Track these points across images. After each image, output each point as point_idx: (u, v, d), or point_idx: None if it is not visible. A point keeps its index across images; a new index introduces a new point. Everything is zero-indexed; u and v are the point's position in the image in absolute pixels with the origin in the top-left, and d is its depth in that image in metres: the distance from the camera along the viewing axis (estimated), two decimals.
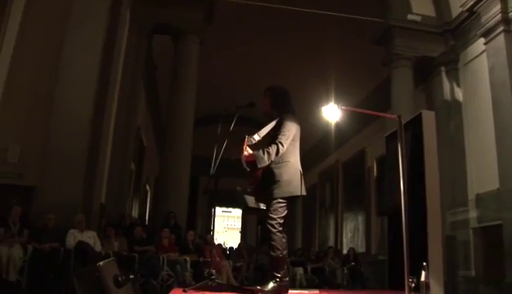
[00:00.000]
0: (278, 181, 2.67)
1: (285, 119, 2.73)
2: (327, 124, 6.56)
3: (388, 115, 3.37)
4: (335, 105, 2.75)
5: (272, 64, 8.11)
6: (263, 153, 2.62)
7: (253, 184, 2.66)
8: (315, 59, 7.82)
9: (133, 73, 5.65)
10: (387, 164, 3.70)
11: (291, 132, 2.72)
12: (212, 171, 2.72)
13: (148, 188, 9.64)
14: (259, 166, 2.58)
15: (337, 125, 6.47)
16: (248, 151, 2.57)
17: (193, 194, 8.13)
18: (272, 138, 2.69)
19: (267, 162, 2.62)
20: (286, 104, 2.78)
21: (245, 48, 7.73)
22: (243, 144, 2.56)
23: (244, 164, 2.53)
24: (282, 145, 2.67)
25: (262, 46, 7.66)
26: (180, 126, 5.66)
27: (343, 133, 8.52)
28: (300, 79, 8.13)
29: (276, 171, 2.67)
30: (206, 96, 8.00)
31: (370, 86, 7.98)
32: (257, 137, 2.64)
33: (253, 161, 2.58)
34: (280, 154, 2.66)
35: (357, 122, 7.91)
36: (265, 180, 2.66)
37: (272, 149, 2.64)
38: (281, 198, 2.64)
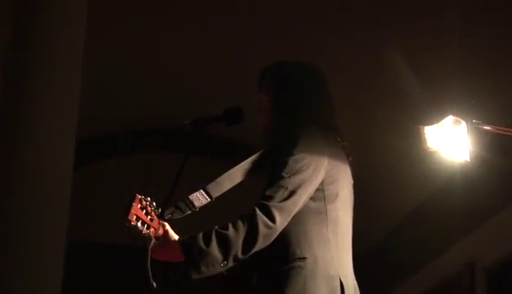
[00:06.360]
0: None
1: (296, 141, 2.83)
2: (438, 170, 6.59)
3: None
4: (461, 121, 2.60)
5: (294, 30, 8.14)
6: (207, 241, 2.63)
7: None
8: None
9: None
10: None
11: (308, 174, 2.77)
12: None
13: None
14: (196, 276, 2.63)
15: (467, 171, 6.26)
16: (153, 230, 2.74)
17: None
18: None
19: (223, 265, 2.65)
20: (309, 105, 2.98)
21: None
22: (134, 212, 2.68)
23: (150, 273, 2.66)
24: (272, 216, 2.67)
25: None
26: (36, 159, 5.25)
27: (483, 192, 8.25)
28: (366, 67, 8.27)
29: (272, 285, 2.76)
30: (112, 90, 8.33)
31: None
32: (202, 198, 2.85)
33: (179, 260, 2.70)
34: (269, 240, 2.69)
35: None
36: None
37: (239, 227, 2.66)
38: None
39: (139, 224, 2.71)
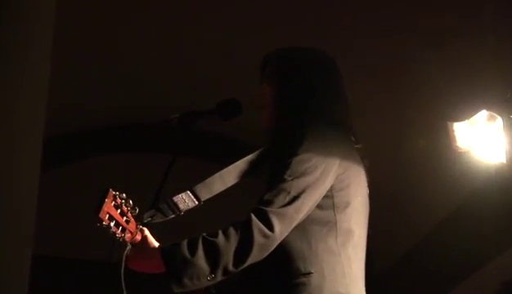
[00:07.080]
0: None
1: (301, 139, 2.76)
2: (470, 173, 6.64)
3: None
4: (496, 116, 2.54)
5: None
6: (193, 250, 2.53)
7: None
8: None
9: None
10: None
11: (314, 178, 2.70)
12: None
13: None
14: (178, 289, 2.51)
15: (503, 174, 6.16)
16: (130, 235, 2.64)
17: None
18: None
19: (210, 278, 2.54)
20: (319, 99, 2.92)
21: None
22: (106, 209, 2.55)
23: (123, 284, 2.56)
24: (271, 223, 2.58)
25: None
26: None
27: None
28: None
29: None
30: (87, 81, 8.06)
31: None
32: (189, 201, 2.81)
33: (159, 271, 2.59)
34: (266, 251, 2.60)
35: None
36: None
37: (230, 235, 2.56)
38: None
39: (112, 224, 2.55)
